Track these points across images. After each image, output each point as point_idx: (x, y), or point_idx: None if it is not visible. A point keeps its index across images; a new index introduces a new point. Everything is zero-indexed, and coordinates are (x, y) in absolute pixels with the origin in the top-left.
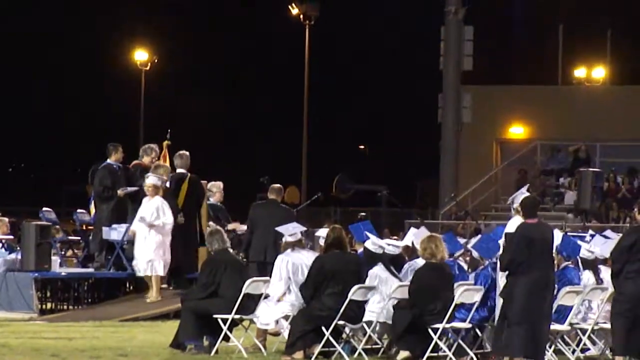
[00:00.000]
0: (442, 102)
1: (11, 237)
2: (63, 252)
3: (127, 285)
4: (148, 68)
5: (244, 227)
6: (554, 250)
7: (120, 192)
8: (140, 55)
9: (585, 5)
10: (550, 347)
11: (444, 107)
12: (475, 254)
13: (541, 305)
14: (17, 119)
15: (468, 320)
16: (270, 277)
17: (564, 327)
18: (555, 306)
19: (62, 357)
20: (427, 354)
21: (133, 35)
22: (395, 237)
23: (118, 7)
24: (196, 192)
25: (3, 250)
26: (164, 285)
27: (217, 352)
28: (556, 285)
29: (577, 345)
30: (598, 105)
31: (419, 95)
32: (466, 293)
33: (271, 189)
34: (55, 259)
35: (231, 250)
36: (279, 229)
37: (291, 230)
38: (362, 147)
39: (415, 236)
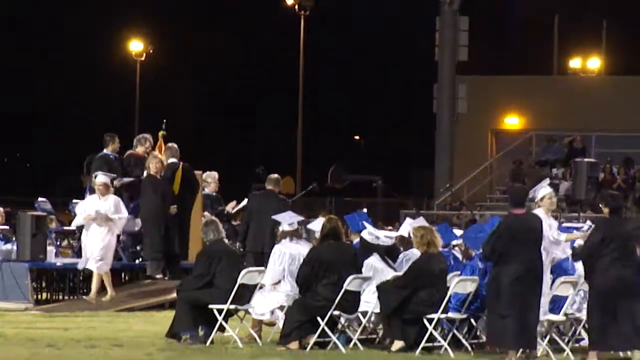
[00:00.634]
0: (437, 93)
1: (7, 227)
2: (58, 243)
3: (123, 275)
4: (143, 58)
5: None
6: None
7: (117, 182)
8: (136, 46)
9: None
10: (545, 337)
11: (439, 98)
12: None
13: (528, 296)
14: (12, 109)
15: (463, 310)
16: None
17: (559, 317)
18: (550, 297)
19: (58, 347)
20: (422, 344)
21: (128, 25)
22: (390, 228)
23: None
24: (190, 180)
25: None
26: (159, 276)
27: (212, 342)
28: (551, 276)
29: (572, 336)
30: (593, 96)
31: (415, 86)
32: (461, 283)
33: (269, 179)
34: (51, 249)
35: (226, 241)
36: (276, 217)
37: (289, 219)
38: (357, 137)
39: (411, 226)
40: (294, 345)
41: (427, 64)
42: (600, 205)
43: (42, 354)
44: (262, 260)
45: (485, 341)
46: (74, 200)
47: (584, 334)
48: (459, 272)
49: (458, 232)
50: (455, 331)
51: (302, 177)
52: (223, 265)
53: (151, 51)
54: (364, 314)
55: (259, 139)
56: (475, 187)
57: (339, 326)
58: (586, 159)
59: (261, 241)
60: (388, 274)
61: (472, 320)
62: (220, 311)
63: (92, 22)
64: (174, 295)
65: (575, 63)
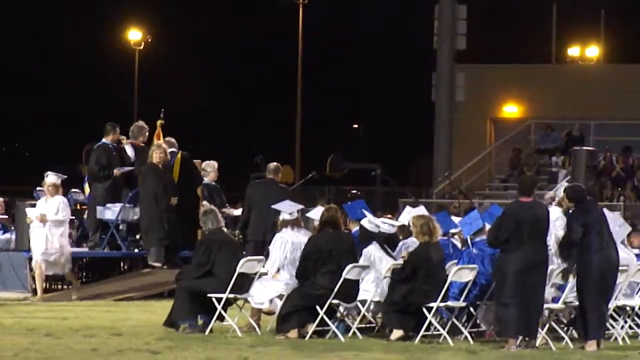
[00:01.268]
0: (436, 81)
1: (5, 216)
2: None
3: (122, 264)
4: (142, 47)
5: (236, 212)
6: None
7: (116, 171)
8: (134, 35)
9: None
10: (544, 325)
11: (437, 86)
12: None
13: (532, 284)
14: (10, 98)
15: (462, 299)
16: (268, 256)
17: (558, 305)
18: (549, 285)
19: (57, 336)
20: (421, 332)
21: (127, 14)
22: (389, 216)
23: None
24: (189, 169)
25: None
26: (159, 264)
27: (211, 331)
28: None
29: (571, 324)
30: (592, 84)
31: (413, 74)
32: (459, 272)
33: (268, 168)
34: None
35: (225, 230)
36: (276, 206)
37: (289, 208)
38: (356, 126)
39: (410, 215)
40: (293, 334)
41: (425, 52)
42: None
43: (41, 343)
44: (262, 249)
45: (484, 329)
46: (73, 190)
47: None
48: (457, 261)
49: (457, 220)
50: (454, 320)
51: (301, 166)
52: (222, 254)
53: (150, 40)
54: (363, 302)
55: (258, 127)
56: (474, 175)
57: (338, 315)
58: (585, 147)
59: (262, 230)
60: (387, 262)
61: (472, 309)
62: (219, 300)
63: (90, 11)
64: (173, 284)
65: (573, 51)
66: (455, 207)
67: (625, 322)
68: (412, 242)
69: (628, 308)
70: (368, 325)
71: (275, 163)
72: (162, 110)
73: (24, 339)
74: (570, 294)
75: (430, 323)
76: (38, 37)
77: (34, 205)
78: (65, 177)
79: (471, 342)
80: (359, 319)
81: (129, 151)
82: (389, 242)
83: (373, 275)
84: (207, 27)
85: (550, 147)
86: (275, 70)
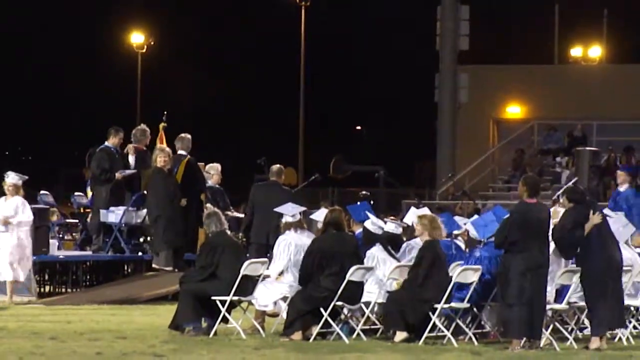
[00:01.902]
0: (438, 82)
1: None
2: (61, 235)
3: (125, 267)
4: (144, 50)
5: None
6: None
7: (118, 174)
8: (137, 38)
9: None
10: (548, 326)
11: (440, 87)
12: (472, 232)
13: (537, 285)
14: (13, 102)
15: (466, 300)
16: (271, 258)
17: (562, 306)
18: (554, 285)
19: (61, 339)
20: (426, 334)
21: (129, 18)
22: (393, 217)
23: None
24: (193, 175)
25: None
26: (169, 268)
27: (215, 333)
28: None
29: (575, 324)
30: (594, 84)
31: (416, 76)
32: (464, 273)
33: (272, 170)
34: (54, 242)
35: (229, 232)
36: (279, 209)
37: (291, 211)
38: (359, 128)
39: (414, 215)
40: (297, 335)
41: (428, 53)
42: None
43: (46, 346)
44: (265, 251)
45: (488, 330)
46: (76, 193)
47: (587, 323)
48: (462, 262)
49: (461, 221)
50: (458, 321)
51: (304, 168)
52: (226, 256)
53: (152, 43)
54: (367, 304)
55: (261, 129)
56: (477, 176)
57: (342, 317)
58: (588, 148)
59: (266, 232)
60: (391, 264)
61: (476, 310)
62: (223, 302)
63: (93, 14)
64: (177, 287)
65: (576, 52)
66: (460, 209)
67: (630, 322)
68: (416, 244)
69: (632, 308)
70: (372, 327)
71: (278, 165)
72: (165, 113)
73: (29, 343)
74: (574, 295)
75: (434, 324)
76: (40, 40)
77: (38, 209)
78: (27, 177)
79: (475, 343)
80: (363, 320)
81: (131, 159)
82: (392, 243)
83: (377, 276)
84: (209, 30)
85: (553, 147)
86: (277, 72)
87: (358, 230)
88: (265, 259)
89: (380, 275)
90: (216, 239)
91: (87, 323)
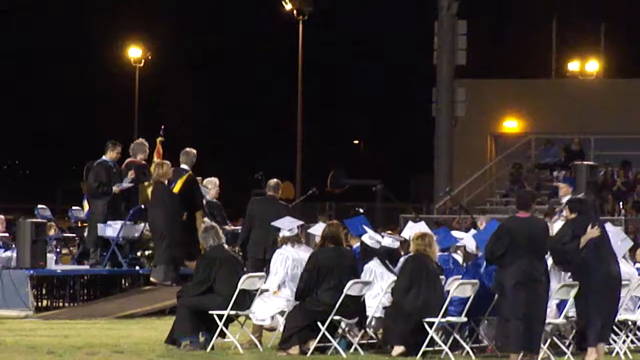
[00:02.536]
0: (436, 97)
1: (6, 234)
2: (58, 249)
3: (123, 281)
4: (142, 65)
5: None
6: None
7: (115, 188)
8: (134, 52)
9: None
10: (546, 340)
11: (438, 102)
12: (469, 247)
13: (532, 298)
14: (11, 115)
15: (464, 314)
16: (268, 272)
17: (560, 320)
18: (552, 300)
19: (58, 354)
20: (423, 348)
21: (127, 32)
22: (390, 232)
23: (112, 4)
24: (191, 191)
25: None
26: (167, 282)
27: (213, 348)
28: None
29: (573, 339)
30: (592, 99)
31: (413, 90)
32: (461, 287)
33: (269, 185)
34: (51, 256)
35: (226, 246)
36: (275, 223)
37: (289, 225)
38: (356, 142)
39: (411, 230)
40: (295, 350)
41: (425, 67)
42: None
43: None
44: (262, 266)
45: (486, 344)
46: (74, 207)
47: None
48: (460, 276)
49: (459, 235)
50: (456, 335)
51: (302, 182)
52: (223, 270)
53: (150, 57)
54: (365, 318)
55: (259, 143)
56: (474, 190)
57: (340, 331)
58: (585, 162)
59: (263, 247)
60: (388, 278)
61: (473, 324)
62: (220, 317)
63: (90, 28)
64: (174, 301)
65: (573, 66)
66: (458, 223)
67: (627, 336)
68: None
69: (630, 322)
70: (370, 341)
71: (275, 179)
72: (162, 127)
73: (26, 357)
74: (571, 309)
75: (431, 338)
76: (37, 54)
77: (35, 223)
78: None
79: (473, 357)
80: (360, 335)
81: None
82: (390, 257)
83: (374, 291)
84: (207, 44)
85: (550, 162)
86: (275, 86)
87: (355, 244)
88: (263, 274)
89: (377, 289)
90: (214, 253)
91: (85, 337)
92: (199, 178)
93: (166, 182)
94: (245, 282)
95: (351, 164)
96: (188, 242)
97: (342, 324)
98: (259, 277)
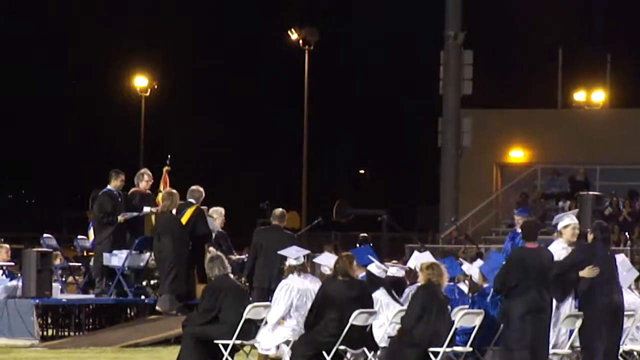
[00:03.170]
0: (442, 126)
1: (12, 263)
2: (64, 279)
3: (128, 311)
4: (148, 94)
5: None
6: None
7: (120, 217)
8: (140, 81)
9: (584, 29)
10: None
11: (443, 131)
12: (475, 277)
13: (538, 328)
14: (17, 144)
15: (469, 344)
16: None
17: (565, 350)
18: (557, 330)
19: None
20: None
21: (133, 61)
22: (395, 261)
23: (119, 33)
24: (197, 223)
25: (4, 277)
26: (173, 312)
27: None
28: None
29: None
30: (598, 129)
31: (419, 120)
32: (466, 317)
33: (274, 214)
34: (56, 285)
35: (232, 276)
36: (283, 252)
37: (295, 254)
38: (362, 171)
39: (416, 260)
40: None
41: (431, 97)
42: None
43: None
44: (268, 295)
45: None
46: (79, 236)
47: None
48: (466, 306)
49: (465, 266)
50: None
51: (307, 212)
52: (229, 300)
53: (156, 87)
54: (375, 348)
55: (264, 173)
56: (480, 220)
57: None
58: (591, 192)
59: (268, 277)
60: (394, 308)
61: (478, 353)
62: (226, 346)
63: (96, 57)
64: (180, 330)
65: (579, 96)
66: (463, 253)
67: None
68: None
69: (635, 353)
70: None
71: (280, 209)
72: (169, 156)
73: None
74: (577, 339)
75: None
76: (42, 83)
77: (41, 252)
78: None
79: None
80: None
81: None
82: (396, 287)
83: (380, 320)
84: (212, 74)
85: (556, 192)
86: (281, 115)
87: (362, 274)
88: (268, 303)
89: (383, 319)
90: (219, 283)
91: None
92: (204, 207)
93: (174, 212)
94: (251, 311)
95: (357, 194)
96: (192, 276)
97: (348, 354)
98: (264, 306)
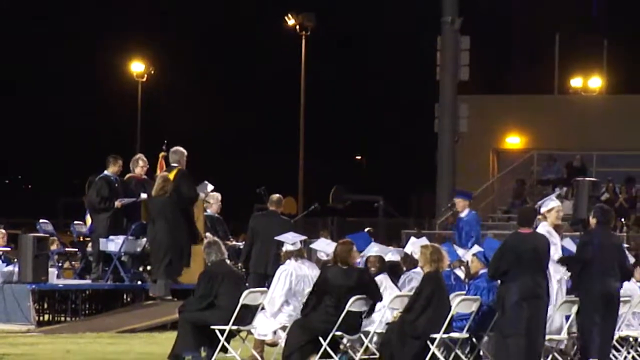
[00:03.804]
0: (438, 112)
1: (8, 248)
2: (60, 264)
3: (125, 296)
4: (145, 79)
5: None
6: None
7: (117, 203)
8: (137, 67)
9: (581, 15)
10: (547, 356)
11: (440, 117)
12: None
13: (534, 315)
14: (13, 130)
15: (465, 330)
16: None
17: (561, 336)
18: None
19: None
20: None
21: (130, 46)
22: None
23: (117, 19)
24: (180, 186)
25: (0, 262)
26: (169, 297)
27: None
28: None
29: (574, 355)
30: (594, 115)
31: (416, 106)
32: (463, 303)
33: (271, 200)
34: (53, 271)
35: (228, 261)
36: (280, 237)
37: (292, 239)
38: (358, 157)
39: (413, 245)
40: None
41: (428, 83)
42: (590, 217)
43: None
44: (264, 281)
45: None
46: (76, 222)
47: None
48: (464, 292)
49: (460, 251)
50: (457, 351)
51: (304, 197)
52: (225, 285)
53: (152, 72)
54: (366, 334)
55: (261, 159)
56: (477, 206)
57: (341, 346)
58: (588, 178)
59: (264, 262)
60: (392, 292)
61: (474, 340)
62: (222, 332)
63: (93, 42)
64: (176, 316)
65: (576, 82)
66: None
67: (628, 352)
68: (416, 274)
69: (631, 339)
70: (371, 357)
71: (277, 195)
72: (165, 142)
73: None
74: (573, 325)
75: (433, 354)
76: (39, 69)
77: (37, 238)
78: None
79: None
80: (362, 350)
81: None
82: (392, 272)
83: (377, 306)
84: (209, 59)
85: (552, 178)
86: (277, 101)
87: (358, 259)
88: (265, 289)
89: (380, 304)
90: (216, 268)
91: (86, 352)
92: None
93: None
94: (247, 297)
95: (353, 180)
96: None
97: (344, 340)
98: (261, 292)
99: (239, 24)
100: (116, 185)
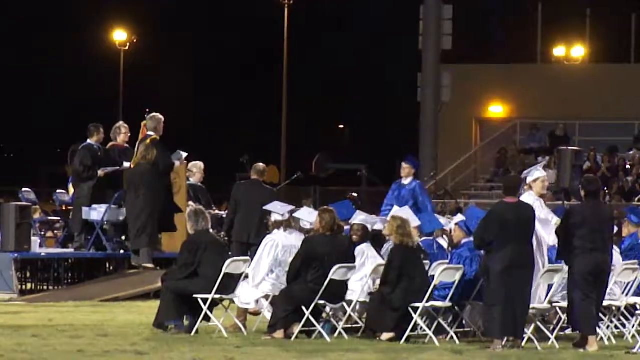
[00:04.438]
0: (421, 82)
1: None
2: (43, 233)
3: (107, 265)
4: (127, 48)
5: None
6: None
7: (100, 172)
8: (120, 35)
9: None
10: (530, 326)
11: (423, 87)
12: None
13: (518, 284)
14: None
15: (448, 299)
16: (253, 257)
17: (544, 305)
18: (542, 285)
19: (43, 337)
20: (407, 332)
21: (112, 15)
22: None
23: None
24: (153, 154)
25: None
26: (151, 265)
27: (197, 332)
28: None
29: (557, 324)
30: (577, 84)
31: (399, 75)
32: (446, 272)
33: (254, 168)
34: (35, 240)
35: (211, 230)
36: (268, 207)
37: (281, 209)
38: (341, 126)
39: (396, 214)
40: (279, 334)
41: (411, 52)
42: (580, 190)
43: (27, 343)
44: (247, 250)
45: (469, 330)
46: (59, 190)
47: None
48: (446, 261)
49: (442, 220)
50: (440, 320)
51: (286, 166)
52: (208, 254)
53: (135, 40)
54: (349, 302)
55: (244, 127)
56: (459, 175)
57: (324, 315)
58: (570, 148)
59: (247, 231)
60: (375, 261)
61: (457, 309)
62: (205, 301)
63: (76, 11)
64: (159, 284)
65: (559, 51)
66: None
67: (611, 321)
68: None
69: (614, 308)
70: (354, 325)
71: (260, 163)
72: (147, 110)
73: (10, 340)
74: (557, 294)
75: (416, 323)
76: (22, 38)
77: (20, 207)
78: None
79: (457, 342)
80: (345, 319)
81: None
82: (375, 241)
83: (359, 275)
84: (192, 28)
85: (535, 147)
86: (260, 70)
87: (346, 227)
88: (247, 258)
89: (362, 273)
90: (199, 237)
91: (69, 320)
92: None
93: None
94: (230, 266)
95: (336, 149)
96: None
97: (327, 308)
98: (244, 261)
99: None
100: (99, 154)
